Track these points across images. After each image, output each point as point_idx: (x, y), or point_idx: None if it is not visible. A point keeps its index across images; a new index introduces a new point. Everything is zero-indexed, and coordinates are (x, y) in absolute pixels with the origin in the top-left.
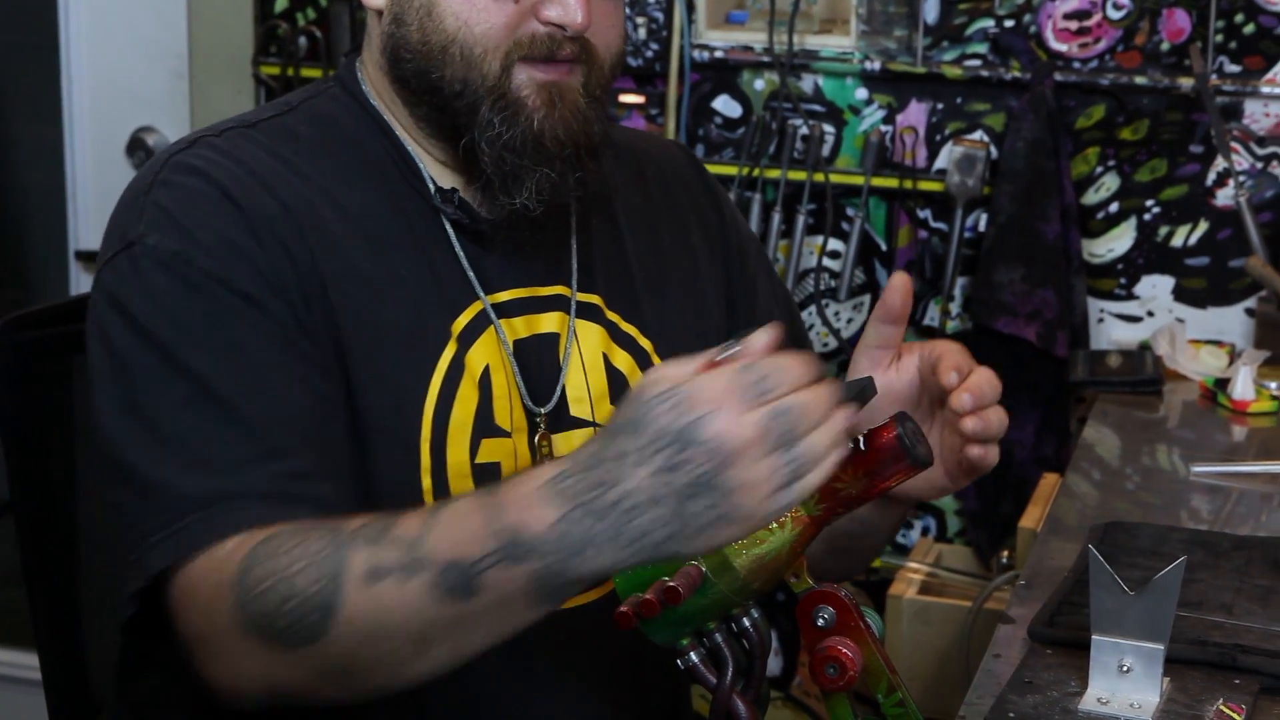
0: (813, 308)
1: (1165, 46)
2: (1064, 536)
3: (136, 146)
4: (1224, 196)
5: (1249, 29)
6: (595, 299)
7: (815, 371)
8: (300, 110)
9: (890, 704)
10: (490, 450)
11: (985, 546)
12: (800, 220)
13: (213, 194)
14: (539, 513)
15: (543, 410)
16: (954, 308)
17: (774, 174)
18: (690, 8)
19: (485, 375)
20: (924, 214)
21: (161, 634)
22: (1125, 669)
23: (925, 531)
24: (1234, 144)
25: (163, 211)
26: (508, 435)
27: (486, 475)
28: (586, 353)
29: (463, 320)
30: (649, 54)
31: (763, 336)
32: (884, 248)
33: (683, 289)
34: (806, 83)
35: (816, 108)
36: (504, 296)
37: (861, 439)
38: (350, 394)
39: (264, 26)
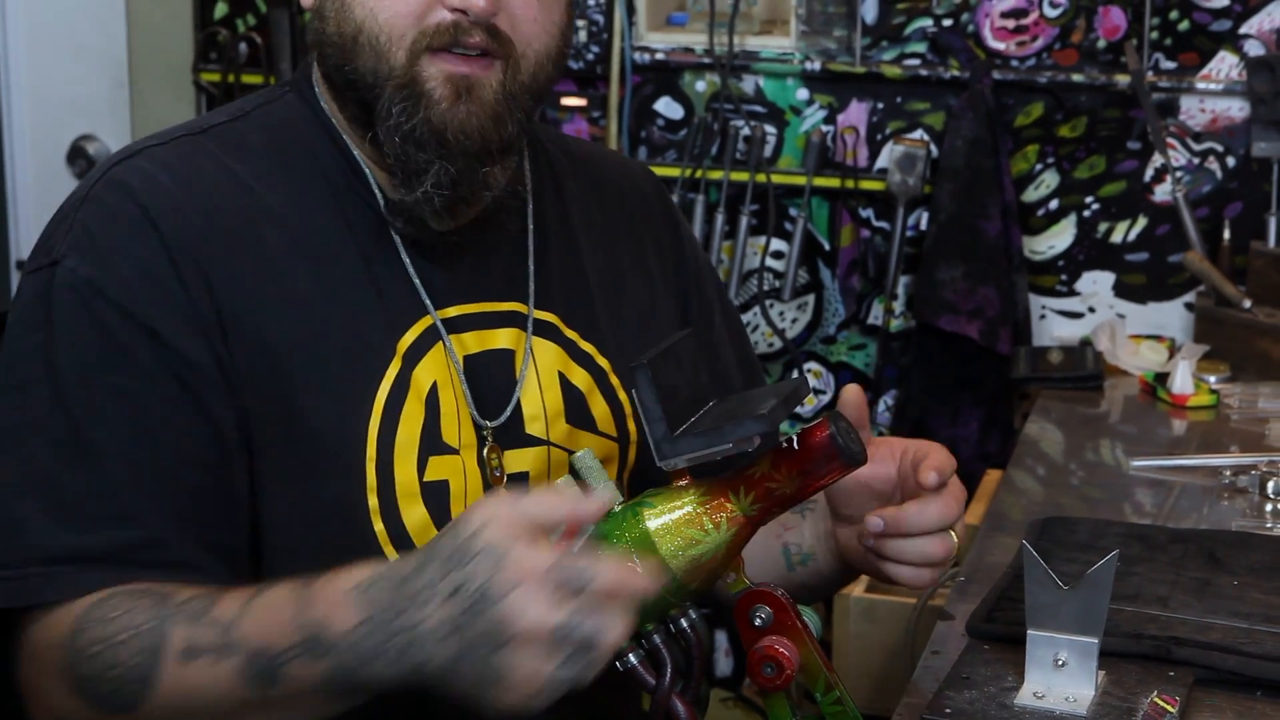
0: (757, 309)
1: (1102, 44)
2: (1006, 532)
3: (77, 155)
4: (1162, 192)
5: (1184, 26)
6: (552, 317)
7: (636, 586)
8: (254, 116)
9: (828, 702)
10: (438, 468)
11: None
12: (743, 221)
13: (136, 216)
14: (343, 614)
15: (490, 424)
16: (897, 306)
17: (716, 175)
18: (631, 10)
19: (433, 392)
20: (866, 213)
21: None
22: (1060, 663)
23: None
24: (1171, 140)
25: (85, 233)
26: (455, 452)
27: (435, 493)
28: (543, 371)
29: (410, 336)
30: (590, 56)
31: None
32: (827, 247)
33: (638, 309)
34: (747, 83)
35: (758, 108)
36: (454, 312)
37: (795, 438)
38: (293, 416)
39: (204, 33)
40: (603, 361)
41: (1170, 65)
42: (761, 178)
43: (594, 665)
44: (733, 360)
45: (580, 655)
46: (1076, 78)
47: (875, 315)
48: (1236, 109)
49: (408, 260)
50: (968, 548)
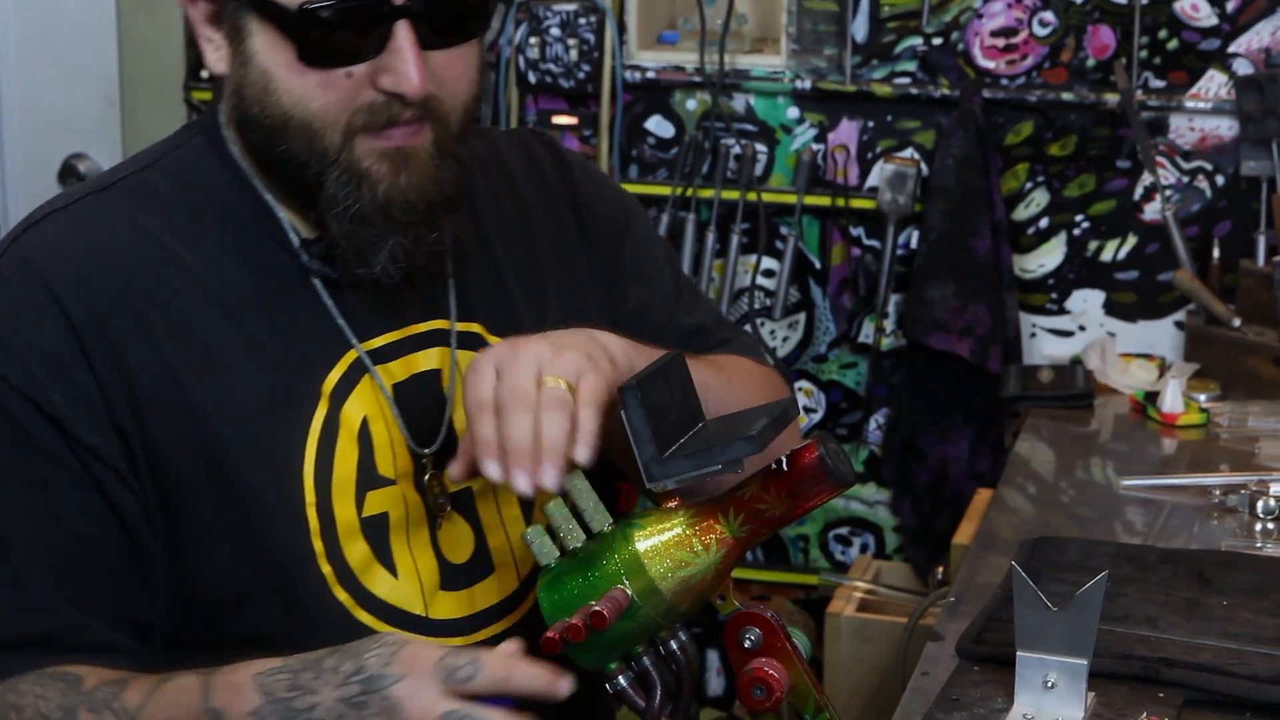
0: (748, 327)
1: (1091, 63)
2: (997, 551)
3: (69, 174)
4: (1151, 211)
5: (1172, 45)
6: (476, 327)
7: (519, 682)
8: (162, 163)
9: None
10: (377, 501)
11: (923, 563)
12: (734, 239)
13: (40, 296)
14: (241, 700)
15: (427, 451)
16: (888, 324)
17: (707, 194)
18: (622, 29)
19: (364, 426)
20: (857, 231)
21: None
22: (1050, 684)
23: (864, 549)
24: (1160, 158)
25: None
26: (393, 483)
27: (374, 526)
28: None
29: (335, 374)
30: (581, 75)
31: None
32: (818, 265)
33: (562, 296)
34: (738, 102)
35: (749, 127)
36: (379, 342)
37: (784, 459)
38: (224, 474)
39: (195, 51)
40: None
41: (1159, 84)
42: (752, 196)
43: None
44: (650, 298)
45: None
46: (1066, 96)
47: (866, 334)
48: (1225, 128)
49: (327, 297)
50: (958, 567)
